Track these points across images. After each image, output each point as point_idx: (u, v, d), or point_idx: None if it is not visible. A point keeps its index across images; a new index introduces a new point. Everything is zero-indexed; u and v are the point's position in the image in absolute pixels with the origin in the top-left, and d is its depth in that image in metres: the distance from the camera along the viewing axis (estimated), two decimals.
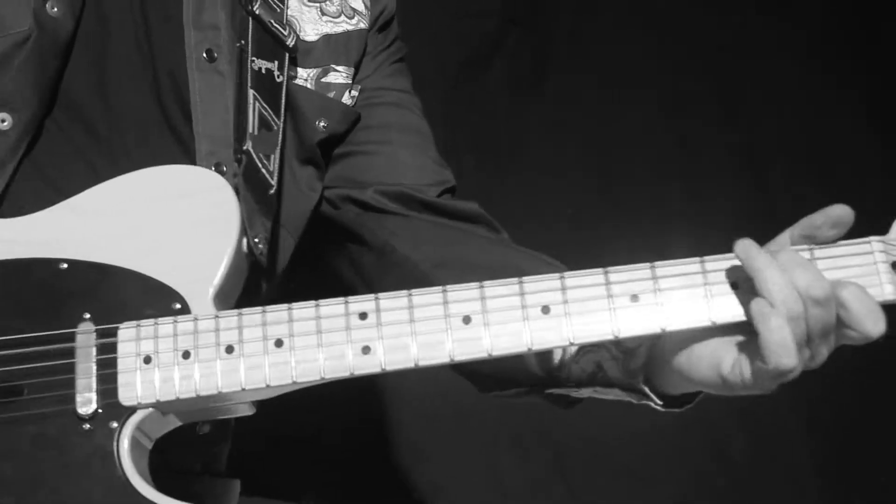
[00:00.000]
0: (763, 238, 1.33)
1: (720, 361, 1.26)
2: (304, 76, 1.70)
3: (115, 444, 1.29)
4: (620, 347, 1.39)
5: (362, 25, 1.77)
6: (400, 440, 2.94)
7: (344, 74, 1.73)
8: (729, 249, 1.28)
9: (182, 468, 1.56)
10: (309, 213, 1.72)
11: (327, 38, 1.73)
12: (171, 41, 1.56)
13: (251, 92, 1.57)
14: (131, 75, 1.53)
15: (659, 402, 1.38)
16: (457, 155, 3.09)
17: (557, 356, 1.49)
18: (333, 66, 1.72)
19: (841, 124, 3.31)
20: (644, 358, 1.36)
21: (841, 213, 1.26)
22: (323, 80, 1.71)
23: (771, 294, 1.21)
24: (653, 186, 3.17)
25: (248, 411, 1.39)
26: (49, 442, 1.29)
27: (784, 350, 1.19)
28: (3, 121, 1.40)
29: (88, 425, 1.30)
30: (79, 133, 1.49)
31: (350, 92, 1.74)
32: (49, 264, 1.36)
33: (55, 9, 1.43)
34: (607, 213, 3.16)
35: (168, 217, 1.39)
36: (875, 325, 1.22)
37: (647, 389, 1.37)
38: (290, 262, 1.73)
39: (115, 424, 1.30)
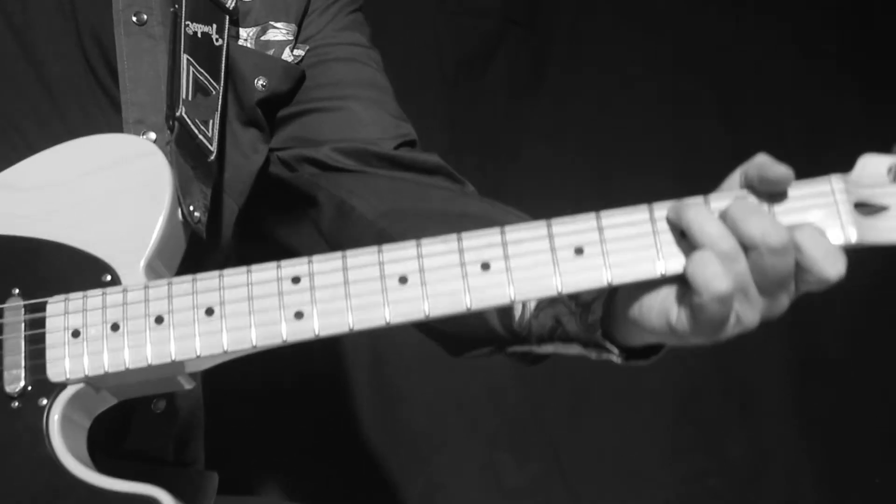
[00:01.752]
0: None
1: (666, 310, 1.19)
2: (244, 36, 1.66)
3: (44, 421, 1.25)
4: (578, 301, 1.33)
5: None
6: (399, 439, 2.93)
7: (284, 31, 1.67)
8: None
9: (151, 454, 1.52)
10: (252, 177, 1.68)
11: None
12: (96, 6, 1.52)
13: (185, 56, 1.50)
14: (55, 38, 1.49)
15: (618, 354, 1.31)
16: (457, 155, 3.09)
17: (518, 313, 1.42)
18: (272, 23, 1.67)
19: (841, 124, 3.31)
20: (600, 312, 1.29)
21: (778, 172, 1.18)
22: (262, 38, 1.66)
23: (703, 238, 1.15)
24: (653, 186, 3.16)
25: (186, 385, 1.34)
26: None
27: (712, 272, 1.13)
28: None
29: (17, 403, 1.26)
30: (10, 101, 1.46)
31: (293, 50, 1.69)
32: None
33: None
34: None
35: (98, 187, 1.35)
36: (833, 268, 1.15)
37: (606, 343, 1.30)
38: (237, 231, 1.69)
39: (44, 402, 1.26)
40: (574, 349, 1.37)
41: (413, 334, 2.94)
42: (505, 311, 1.44)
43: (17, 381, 1.26)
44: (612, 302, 1.28)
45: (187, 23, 1.52)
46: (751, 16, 3.37)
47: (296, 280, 1.23)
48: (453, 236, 1.22)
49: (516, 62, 3.23)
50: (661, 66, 3.31)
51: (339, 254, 1.24)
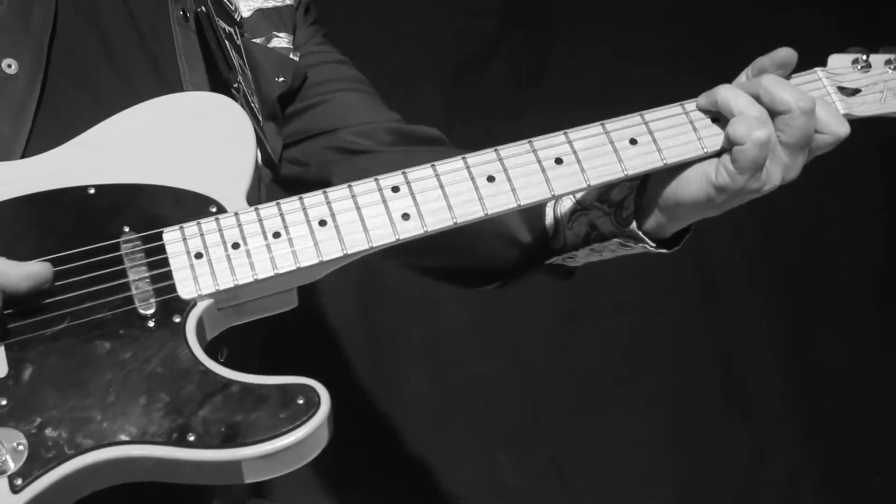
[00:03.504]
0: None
1: (706, 174, 1.45)
2: (255, 42, 1.82)
3: (183, 335, 1.33)
4: (609, 203, 1.57)
5: (289, 1, 1.90)
6: (399, 439, 2.93)
7: (286, 40, 1.85)
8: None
9: None
10: (270, 156, 1.80)
11: (261, 12, 1.85)
12: (146, 1, 1.67)
13: (227, 43, 1.69)
14: (119, 28, 1.63)
15: (652, 244, 1.54)
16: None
17: (550, 224, 1.66)
18: (276, 33, 1.85)
19: None
20: (633, 207, 1.53)
21: (785, 54, 1.51)
22: (268, 45, 1.83)
23: (737, 107, 1.43)
24: None
25: (293, 303, 1.45)
26: (118, 344, 1.32)
27: (750, 124, 1.40)
28: (10, 66, 1.47)
29: (152, 322, 1.34)
30: (83, 78, 1.56)
31: (292, 55, 1.86)
32: (76, 192, 1.41)
33: None
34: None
35: (183, 136, 1.47)
36: (841, 126, 1.47)
37: (640, 232, 1.53)
38: None
39: (178, 319, 1.34)
40: (609, 249, 1.60)
41: (413, 335, 2.96)
42: (536, 225, 1.67)
43: (149, 303, 1.34)
44: (642, 196, 1.53)
45: (217, 19, 1.70)
46: (752, 15, 3.37)
47: (395, 189, 1.42)
48: (525, 141, 1.46)
49: (516, 62, 3.23)
50: (660, 65, 3.31)
51: (428, 164, 1.43)
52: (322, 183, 1.76)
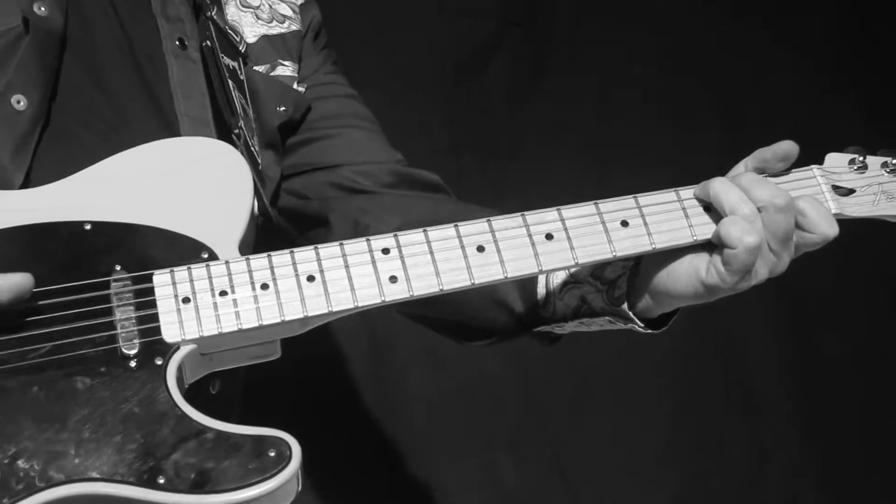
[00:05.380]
0: None
1: (697, 270, 1.47)
2: (260, 71, 1.84)
3: (164, 378, 1.34)
4: (602, 280, 1.59)
5: (294, 27, 1.91)
6: (399, 439, 2.94)
7: (290, 68, 1.87)
8: None
9: None
10: (269, 197, 1.82)
11: (266, 39, 1.86)
12: (144, 30, 1.68)
13: (230, 82, 1.70)
14: (118, 64, 1.65)
15: (641, 324, 1.56)
16: (457, 155, 3.10)
17: (541, 294, 1.67)
18: (281, 61, 1.86)
19: (840, 124, 3.31)
20: (625, 287, 1.55)
21: (787, 147, 1.51)
22: (272, 74, 1.84)
23: (728, 205, 1.43)
24: (652, 185, 3.17)
25: (276, 354, 1.46)
26: (98, 381, 1.33)
27: (742, 228, 1.41)
28: (19, 102, 1.49)
29: (134, 363, 1.35)
30: (83, 114, 1.59)
31: (296, 85, 1.87)
32: (73, 226, 1.42)
33: (42, 8, 1.54)
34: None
35: (181, 181, 1.48)
36: (831, 227, 1.47)
37: (631, 313, 1.55)
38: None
39: (159, 361, 1.35)
40: (597, 324, 1.62)
41: (413, 334, 2.96)
42: (528, 292, 1.68)
43: (132, 343, 1.35)
44: (634, 277, 1.54)
45: (222, 55, 1.71)
46: (751, 15, 3.37)
47: (385, 251, 1.43)
48: (518, 214, 1.47)
49: (516, 62, 3.23)
50: (660, 66, 3.31)
51: (420, 230, 1.45)
52: (320, 218, 1.83)
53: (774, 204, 1.42)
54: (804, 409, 3.31)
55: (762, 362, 3.30)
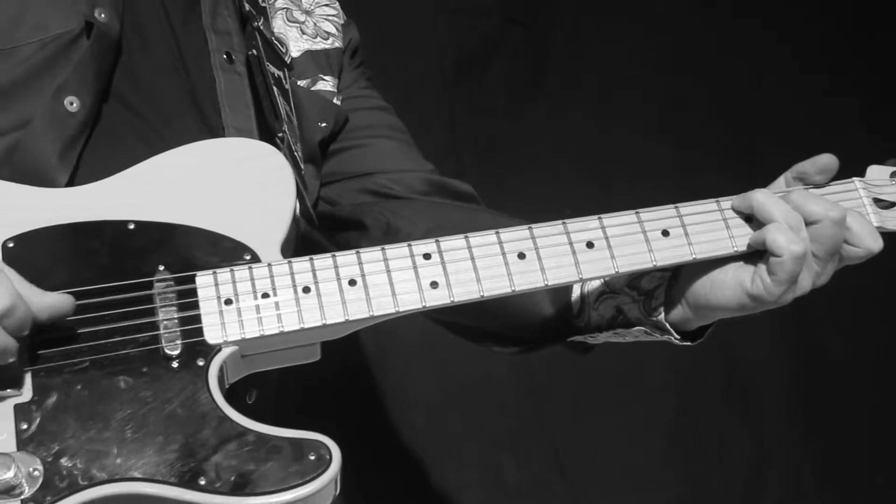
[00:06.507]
0: None
1: (741, 280, 1.46)
2: (302, 85, 1.86)
3: (206, 379, 1.35)
4: (639, 291, 1.58)
5: (338, 45, 1.94)
6: (399, 439, 2.94)
7: (331, 83, 1.89)
8: None
9: None
10: (309, 210, 1.82)
11: (309, 54, 1.89)
12: (194, 41, 1.71)
13: (275, 89, 1.72)
14: (167, 72, 1.67)
15: (677, 336, 1.56)
16: (457, 154, 3.10)
17: (576, 304, 1.67)
18: (322, 76, 1.89)
19: (840, 125, 3.32)
20: (662, 298, 1.55)
21: (827, 161, 1.51)
22: (313, 88, 1.87)
23: (773, 215, 1.43)
24: (652, 186, 3.17)
25: (315, 356, 1.48)
26: (140, 381, 1.34)
27: (789, 237, 1.41)
28: (72, 104, 1.51)
29: (176, 363, 1.35)
30: (131, 120, 1.61)
31: (335, 99, 1.90)
32: (117, 225, 1.43)
33: (102, 15, 1.56)
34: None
35: (226, 181, 1.49)
36: (875, 242, 1.48)
37: (668, 325, 1.55)
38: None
39: (201, 362, 1.36)
40: (632, 334, 1.62)
41: (413, 335, 2.96)
42: (562, 302, 1.69)
43: (175, 344, 1.36)
44: (672, 289, 1.54)
45: (267, 63, 1.73)
46: (751, 16, 3.37)
47: (427, 256, 1.43)
48: (559, 222, 1.47)
49: (516, 62, 3.23)
50: (661, 66, 3.31)
51: (461, 235, 1.45)
52: (354, 222, 1.85)
53: (830, 217, 1.43)
54: (804, 410, 3.31)
55: (763, 362, 3.30)
